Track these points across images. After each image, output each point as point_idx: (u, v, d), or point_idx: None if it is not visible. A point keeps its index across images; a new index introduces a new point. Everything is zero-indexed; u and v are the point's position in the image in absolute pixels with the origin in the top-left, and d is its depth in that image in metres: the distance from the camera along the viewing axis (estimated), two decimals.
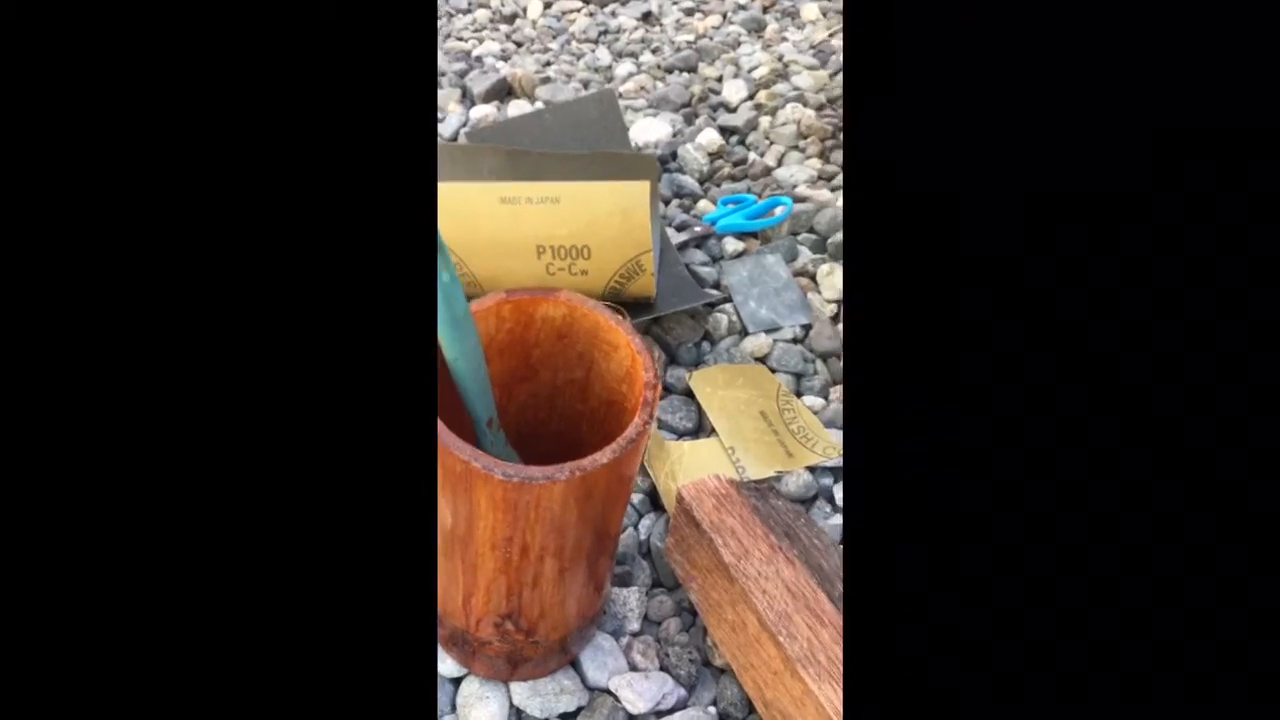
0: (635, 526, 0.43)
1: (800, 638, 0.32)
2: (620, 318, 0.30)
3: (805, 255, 0.59)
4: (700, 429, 0.48)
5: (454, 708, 0.35)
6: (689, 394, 0.50)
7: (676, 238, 0.59)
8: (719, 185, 0.65)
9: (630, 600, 0.40)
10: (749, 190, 0.64)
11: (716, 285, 0.57)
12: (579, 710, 0.36)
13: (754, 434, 0.47)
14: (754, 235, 0.61)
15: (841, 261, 0.59)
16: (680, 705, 0.37)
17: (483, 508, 0.26)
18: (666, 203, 0.63)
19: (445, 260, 0.26)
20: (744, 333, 0.54)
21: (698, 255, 0.59)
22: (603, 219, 0.46)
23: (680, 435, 0.48)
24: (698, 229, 0.60)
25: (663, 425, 0.48)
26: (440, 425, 0.26)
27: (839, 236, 0.60)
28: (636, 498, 0.45)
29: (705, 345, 0.53)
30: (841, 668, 0.31)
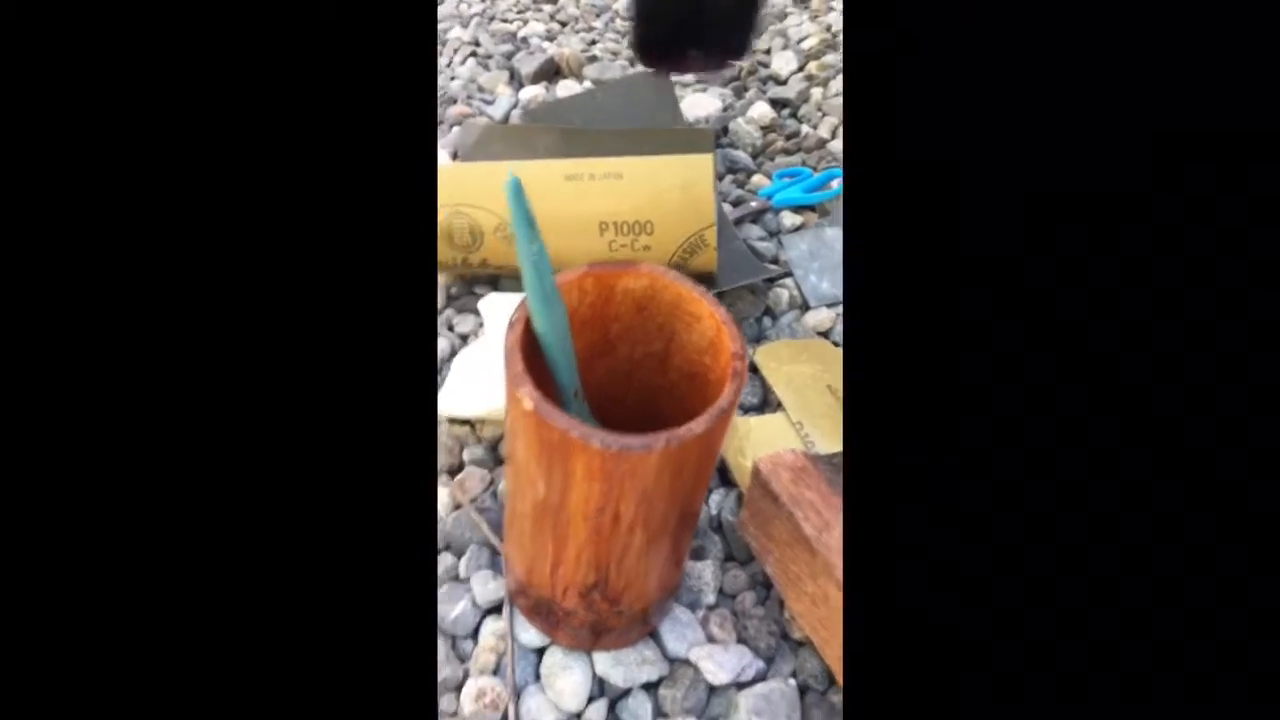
0: (705, 501, 0.43)
1: None
2: (703, 289, 0.30)
3: None
4: (766, 404, 0.48)
5: (538, 677, 0.36)
6: (753, 369, 0.49)
7: (733, 213, 0.58)
8: (772, 159, 0.64)
9: (705, 574, 0.40)
10: (803, 163, 0.63)
11: (775, 260, 0.56)
12: (661, 680, 0.36)
13: (821, 409, 0.47)
14: (811, 209, 0.60)
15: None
16: (760, 677, 0.37)
17: (578, 477, 0.26)
18: (720, 178, 0.62)
19: (535, 233, 0.27)
20: (805, 307, 0.54)
21: (755, 231, 0.58)
22: (665, 194, 0.46)
23: (746, 411, 0.48)
24: (754, 204, 0.59)
25: None
26: (538, 395, 0.26)
27: None
28: None
29: (766, 321, 0.53)
30: None
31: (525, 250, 0.26)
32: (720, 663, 0.36)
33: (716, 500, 0.43)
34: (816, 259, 0.55)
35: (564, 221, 0.47)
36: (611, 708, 0.36)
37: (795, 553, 0.36)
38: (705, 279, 0.50)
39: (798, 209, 0.59)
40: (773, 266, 0.55)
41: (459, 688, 0.35)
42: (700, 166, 0.46)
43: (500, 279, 0.53)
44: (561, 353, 0.29)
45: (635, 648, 0.36)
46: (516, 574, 0.35)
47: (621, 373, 0.35)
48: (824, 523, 0.36)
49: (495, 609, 0.38)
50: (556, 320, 0.28)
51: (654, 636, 0.37)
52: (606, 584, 0.31)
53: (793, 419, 0.46)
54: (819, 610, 0.36)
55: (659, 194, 0.46)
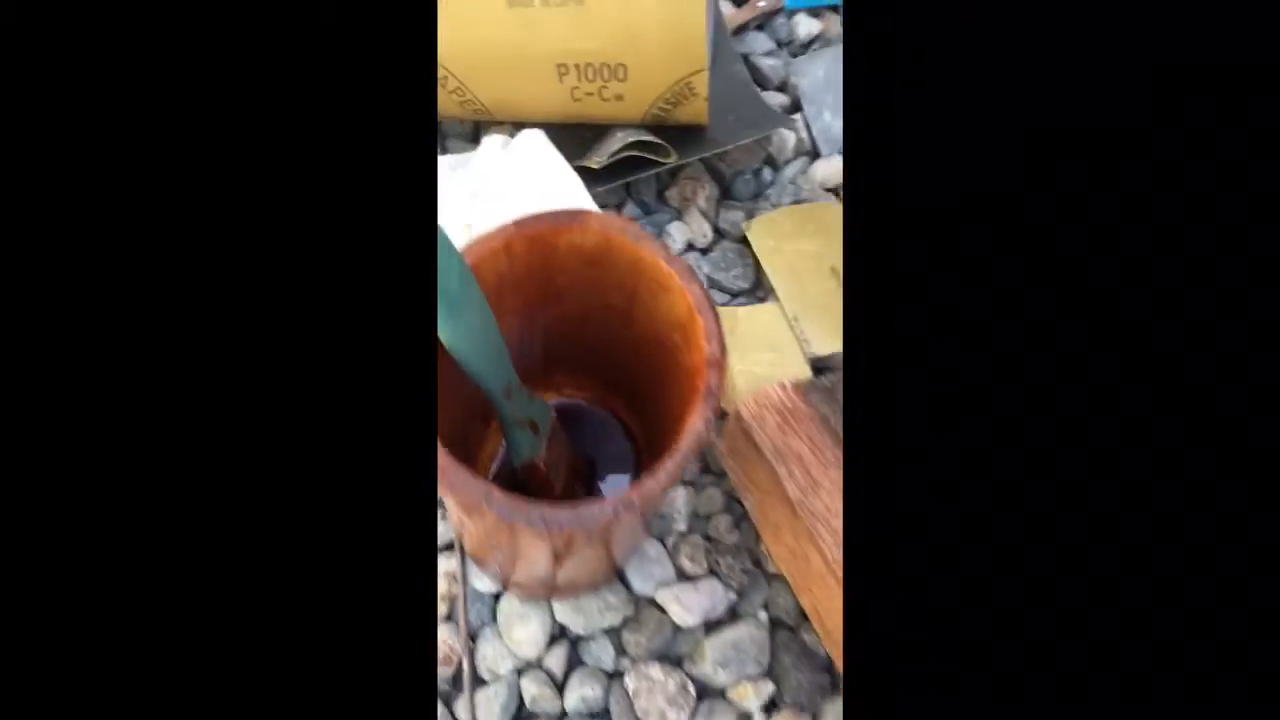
0: None
1: None
2: (670, 252, 0.22)
3: None
4: (758, 286, 0.41)
5: (495, 619, 0.34)
6: (744, 242, 0.42)
7: (734, 18, 0.46)
8: None
9: (677, 500, 0.36)
10: None
11: (783, 86, 0.45)
12: (625, 622, 0.34)
13: (821, 298, 0.40)
14: (833, 9, 0.47)
15: None
16: (730, 611, 0.35)
17: (510, 539, 0.21)
18: None
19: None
20: (815, 154, 0.44)
21: (761, 42, 0.46)
22: (645, 27, 0.34)
23: (734, 296, 0.41)
24: (762, 4, 0.46)
25: (713, 285, 0.41)
26: (441, 453, 0.20)
27: None
28: None
29: (766, 173, 0.43)
30: None
31: None
32: (688, 605, 0.34)
33: None
34: (833, 90, 0.44)
35: (510, 61, 0.36)
36: (573, 647, 0.34)
37: (775, 503, 0.32)
38: (694, 132, 0.40)
39: (815, 11, 0.47)
40: (781, 113, 0.44)
41: None
42: None
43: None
44: (480, 358, 0.22)
45: (598, 593, 0.34)
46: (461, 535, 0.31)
47: (574, 320, 0.28)
48: (810, 482, 0.31)
49: (446, 546, 0.35)
50: (469, 323, 0.21)
51: (619, 575, 0.35)
52: (561, 582, 0.28)
53: (787, 312, 0.40)
54: (798, 563, 0.33)
55: (635, 28, 0.35)
